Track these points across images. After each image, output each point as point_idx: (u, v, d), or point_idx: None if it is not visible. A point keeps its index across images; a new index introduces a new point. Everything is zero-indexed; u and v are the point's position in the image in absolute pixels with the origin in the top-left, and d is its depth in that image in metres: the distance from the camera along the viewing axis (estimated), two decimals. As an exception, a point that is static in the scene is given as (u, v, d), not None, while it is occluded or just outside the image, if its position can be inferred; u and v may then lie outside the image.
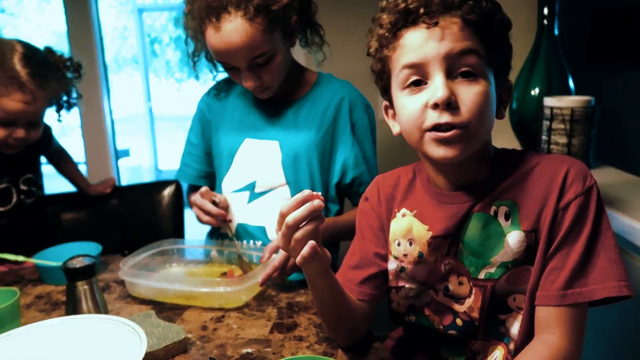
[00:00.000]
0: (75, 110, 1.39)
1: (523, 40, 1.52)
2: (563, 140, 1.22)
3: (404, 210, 0.84)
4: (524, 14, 1.54)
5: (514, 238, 0.74)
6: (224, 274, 1.13)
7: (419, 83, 0.72)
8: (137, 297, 1.03)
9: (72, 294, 0.87)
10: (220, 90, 1.30)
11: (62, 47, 1.30)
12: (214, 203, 1.15)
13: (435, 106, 0.69)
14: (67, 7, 1.95)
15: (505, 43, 0.75)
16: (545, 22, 1.44)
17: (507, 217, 0.75)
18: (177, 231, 1.55)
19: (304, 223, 0.69)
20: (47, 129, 1.42)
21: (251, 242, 1.20)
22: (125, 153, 5.84)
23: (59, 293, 1.07)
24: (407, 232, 0.82)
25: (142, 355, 0.67)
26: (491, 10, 0.72)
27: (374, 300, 0.87)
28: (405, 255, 0.83)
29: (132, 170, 5.53)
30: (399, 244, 0.83)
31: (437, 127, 0.70)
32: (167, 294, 1.01)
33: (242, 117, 1.24)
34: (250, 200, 1.21)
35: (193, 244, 1.20)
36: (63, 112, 1.36)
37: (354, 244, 0.90)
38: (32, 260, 1.11)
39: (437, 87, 0.69)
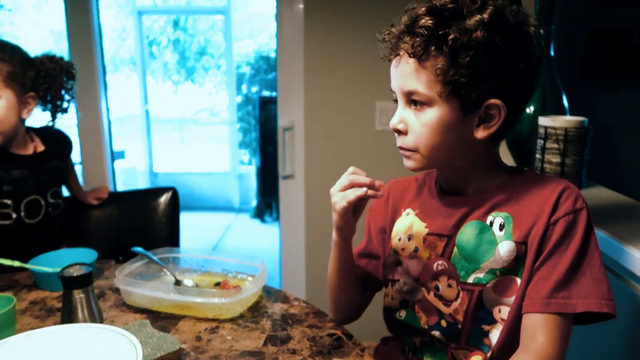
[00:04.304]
0: (72, 109, 1.42)
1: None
2: (556, 159, 1.24)
3: (409, 210, 0.92)
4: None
5: (504, 247, 0.78)
6: (217, 284, 1.13)
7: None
8: (132, 306, 1.04)
9: (68, 302, 0.88)
10: None
11: (58, 46, 1.34)
12: None
13: None
14: (68, 6, 1.95)
15: (481, 67, 0.71)
16: (542, 42, 1.46)
17: (501, 228, 0.79)
18: (173, 238, 1.56)
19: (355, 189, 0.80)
20: (68, 140, 1.48)
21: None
22: (121, 155, 5.79)
23: (54, 299, 1.07)
24: (408, 228, 0.90)
25: (138, 366, 0.68)
26: (457, 38, 0.69)
27: (368, 287, 0.99)
28: (402, 249, 0.90)
29: (127, 172, 5.50)
30: (399, 239, 0.91)
31: None
32: (162, 304, 1.02)
33: None
34: None
35: (188, 253, 1.21)
36: (57, 114, 1.38)
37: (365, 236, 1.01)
38: (28, 266, 1.11)
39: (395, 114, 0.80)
